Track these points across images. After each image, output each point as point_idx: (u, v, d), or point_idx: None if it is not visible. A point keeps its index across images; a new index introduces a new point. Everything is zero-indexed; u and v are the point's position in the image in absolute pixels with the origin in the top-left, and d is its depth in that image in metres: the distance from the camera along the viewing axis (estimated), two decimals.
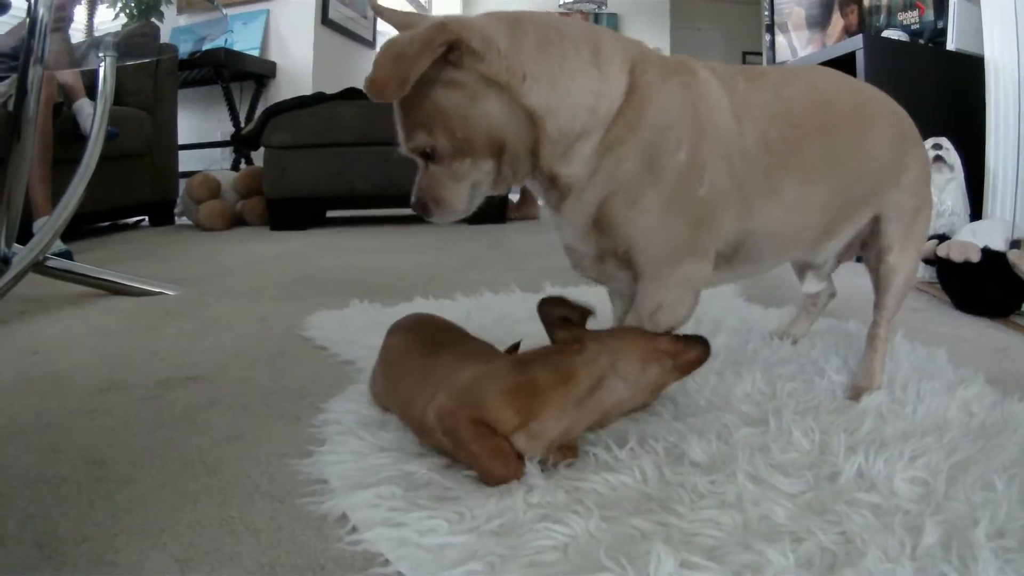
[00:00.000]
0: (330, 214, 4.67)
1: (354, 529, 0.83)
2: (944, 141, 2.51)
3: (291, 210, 4.11)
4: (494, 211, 4.15)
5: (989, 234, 2.06)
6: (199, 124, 5.79)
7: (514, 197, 4.62)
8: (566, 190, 1.06)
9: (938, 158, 2.49)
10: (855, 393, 1.24)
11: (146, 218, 4.58)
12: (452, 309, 1.92)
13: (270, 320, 1.90)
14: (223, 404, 1.25)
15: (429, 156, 0.99)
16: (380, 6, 1.08)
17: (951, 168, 2.49)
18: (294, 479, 0.95)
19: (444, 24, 0.91)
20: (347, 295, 2.04)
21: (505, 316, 1.82)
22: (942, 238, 2.24)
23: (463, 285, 2.25)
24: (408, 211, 4.73)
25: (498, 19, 0.98)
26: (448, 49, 0.91)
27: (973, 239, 2.02)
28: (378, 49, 0.93)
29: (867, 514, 0.84)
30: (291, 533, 0.82)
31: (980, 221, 2.30)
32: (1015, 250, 1.94)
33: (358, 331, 1.67)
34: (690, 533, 0.82)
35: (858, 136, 1.21)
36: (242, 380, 1.39)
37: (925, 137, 2.67)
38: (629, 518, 0.85)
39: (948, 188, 2.50)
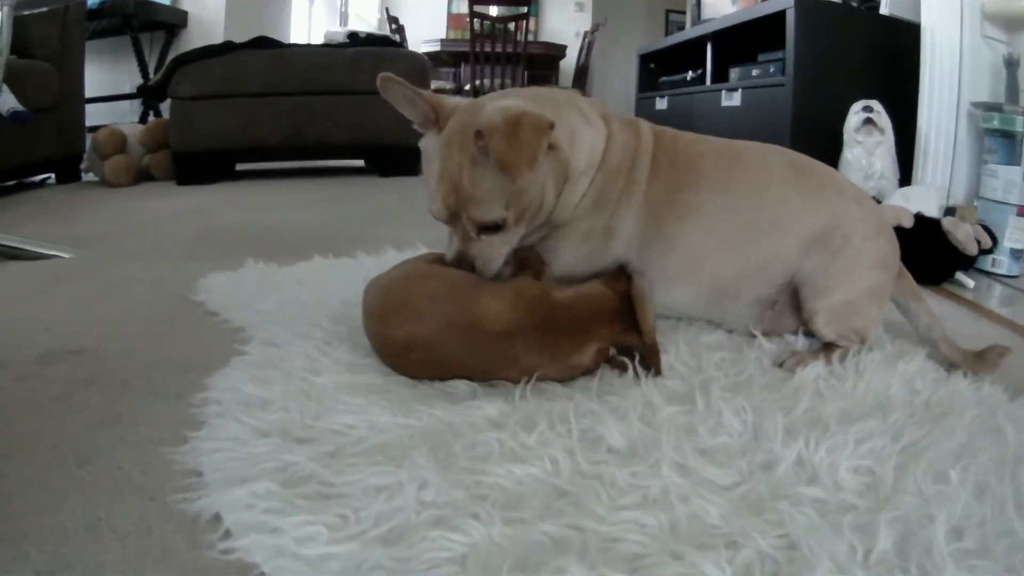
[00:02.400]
0: (239, 167, 4.43)
1: (228, 534, 0.74)
2: (875, 104, 2.46)
3: (198, 164, 3.86)
4: (403, 163, 4.02)
5: (923, 200, 2.00)
6: (108, 76, 5.42)
7: None
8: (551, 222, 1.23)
9: (868, 120, 2.43)
10: (792, 361, 1.17)
11: (52, 176, 4.27)
12: (351, 268, 1.78)
13: (163, 283, 1.78)
14: (102, 381, 1.15)
15: (491, 228, 1.12)
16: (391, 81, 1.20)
17: (881, 131, 2.44)
18: (168, 470, 0.88)
19: (528, 110, 1.05)
20: (246, 254, 1.95)
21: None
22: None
23: (368, 242, 2.13)
24: (318, 163, 4.76)
25: (525, 97, 1.16)
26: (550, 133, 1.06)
27: (906, 204, 1.95)
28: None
29: (811, 512, 0.74)
30: (160, 538, 0.75)
31: (912, 186, 2.26)
32: (949, 217, 1.88)
33: (250, 295, 1.56)
34: (609, 539, 0.71)
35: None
36: (126, 352, 1.29)
37: (856, 99, 2.65)
38: (538, 522, 0.73)
39: (878, 151, 2.46)
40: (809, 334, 1.26)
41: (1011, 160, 2.11)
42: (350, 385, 1.05)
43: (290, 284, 1.65)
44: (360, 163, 4.44)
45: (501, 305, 1.04)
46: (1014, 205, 2.00)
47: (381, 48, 4.05)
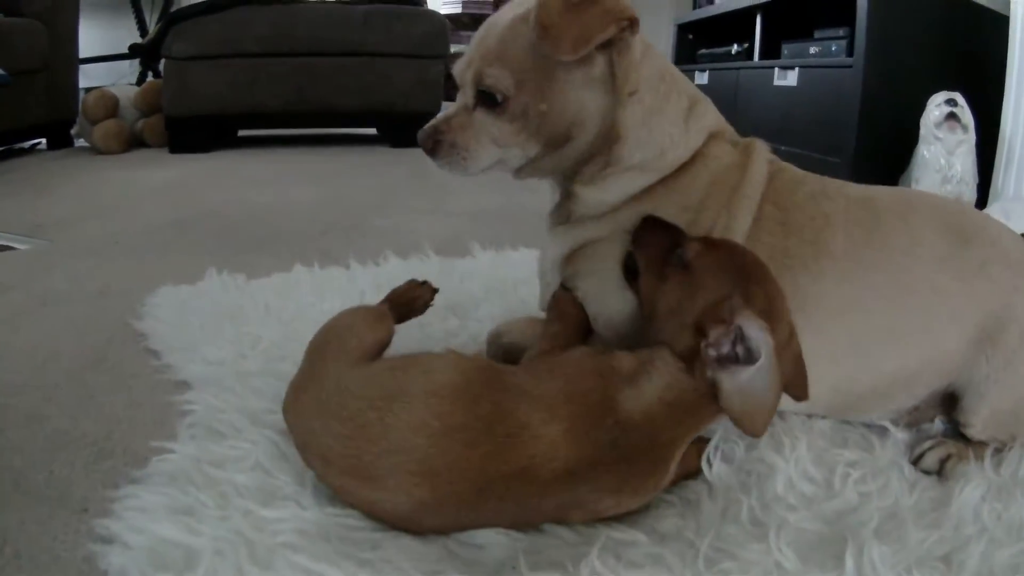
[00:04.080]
0: (241, 134, 4.16)
1: None
2: (959, 97, 2.17)
3: (193, 130, 3.61)
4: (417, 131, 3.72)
5: (1023, 218, 1.68)
6: (105, 35, 5.19)
7: None
8: (573, 213, 1.01)
9: (951, 115, 2.13)
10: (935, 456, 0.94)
11: (43, 141, 4.04)
12: (338, 286, 1.53)
13: (109, 296, 1.54)
14: None
15: (488, 100, 0.92)
16: None
17: (965, 129, 2.16)
18: None
19: (625, 5, 0.88)
20: (214, 253, 1.73)
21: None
22: None
23: (366, 237, 1.93)
24: (324, 131, 4.49)
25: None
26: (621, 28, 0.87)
27: (1007, 222, 1.63)
28: None
29: None
30: None
31: (1012, 200, 1.94)
32: None
33: (202, 329, 1.29)
34: None
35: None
36: (34, 417, 1.02)
37: (934, 91, 2.33)
38: None
39: (959, 150, 2.18)
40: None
41: None
42: (317, 530, 0.73)
43: (256, 313, 1.37)
44: (372, 131, 4.15)
45: (553, 427, 0.71)
46: None
47: (396, 6, 3.74)
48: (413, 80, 3.66)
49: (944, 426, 1.02)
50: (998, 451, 0.93)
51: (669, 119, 0.96)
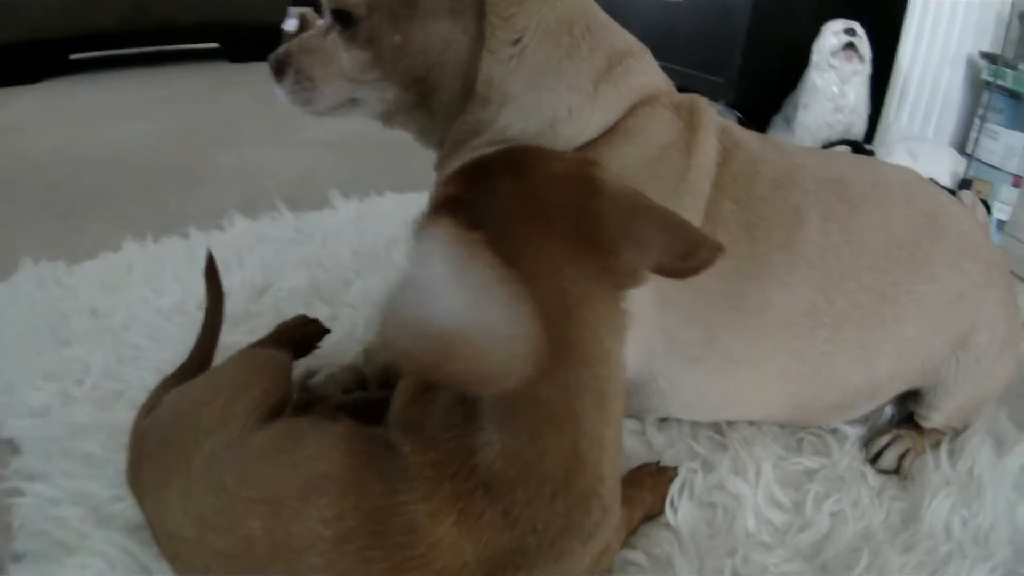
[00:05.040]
0: (74, 58, 3.67)
1: None
2: (858, 27, 2.13)
3: (18, 58, 3.11)
4: (261, 44, 3.37)
5: (934, 162, 1.67)
6: None
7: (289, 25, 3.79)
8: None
9: (850, 45, 2.08)
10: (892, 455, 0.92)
11: None
12: (178, 265, 1.30)
13: None
14: None
15: (343, 20, 0.77)
16: None
17: (862, 59, 2.13)
18: None
19: None
20: (32, 225, 1.49)
21: (271, 278, 1.27)
22: (851, 144, 1.81)
23: (210, 182, 1.73)
24: (166, 47, 4.03)
25: None
26: None
27: (913, 164, 1.58)
28: None
29: None
30: None
31: (918, 140, 1.94)
32: (967, 192, 1.53)
33: (18, 354, 1.02)
34: None
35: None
36: None
37: (832, 17, 2.25)
38: None
39: (854, 80, 2.16)
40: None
41: (1016, 124, 1.83)
42: None
43: (81, 322, 1.11)
44: (213, 46, 3.75)
45: (443, 522, 0.52)
46: (1011, 174, 1.77)
47: None
48: None
49: (893, 412, 0.99)
50: (951, 439, 0.93)
51: (568, 81, 0.77)
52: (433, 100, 0.80)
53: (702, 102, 0.84)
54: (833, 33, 2.11)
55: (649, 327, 0.78)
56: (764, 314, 0.79)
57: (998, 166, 1.78)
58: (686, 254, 0.57)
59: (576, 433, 0.54)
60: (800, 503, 0.81)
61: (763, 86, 2.48)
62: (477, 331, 0.44)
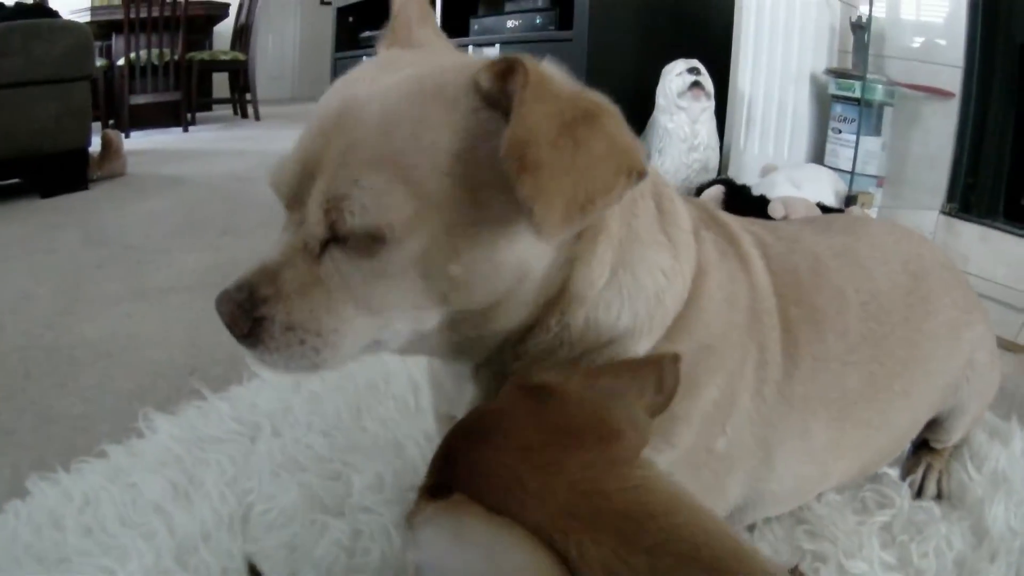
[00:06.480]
0: None
1: None
2: (699, 65, 2.20)
3: None
4: (70, 172, 3.11)
5: (816, 185, 1.77)
6: None
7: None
8: None
9: (696, 84, 2.16)
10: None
11: None
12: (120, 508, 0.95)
13: None
14: None
15: (356, 239, 0.53)
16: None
17: (708, 96, 2.21)
18: None
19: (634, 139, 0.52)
20: None
21: (247, 499, 0.97)
22: (724, 183, 1.90)
23: (84, 366, 1.40)
24: None
25: None
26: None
27: (798, 192, 1.68)
28: None
29: None
30: None
31: (795, 168, 2.03)
32: (855, 208, 1.64)
33: None
34: None
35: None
36: None
37: (663, 59, 2.36)
38: None
39: (702, 118, 2.25)
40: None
41: (870, 130, 2.00)
42: None
43: None
44: (14, 181, 3.30)
45: None
46: (874, 176, 1.95)
47: (33, 21, 3.01)
48: (59, 110, 3.01)
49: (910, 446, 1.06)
50: (956, 447, 1.04)
51: (646, 241, 0.65)
52: (493, 324, 0.61)
53: (709, 206, 0.82)
54: (677, 74, 2.20)
55: (750, 456, 0.76)
56: (842, 399, 0.80)
57: (859, 171, 1.94)
58: (658, 386, 0.56)
59: None
60: (903, 557, 0.85)
61: None
62: None
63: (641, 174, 0.51)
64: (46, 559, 0.85)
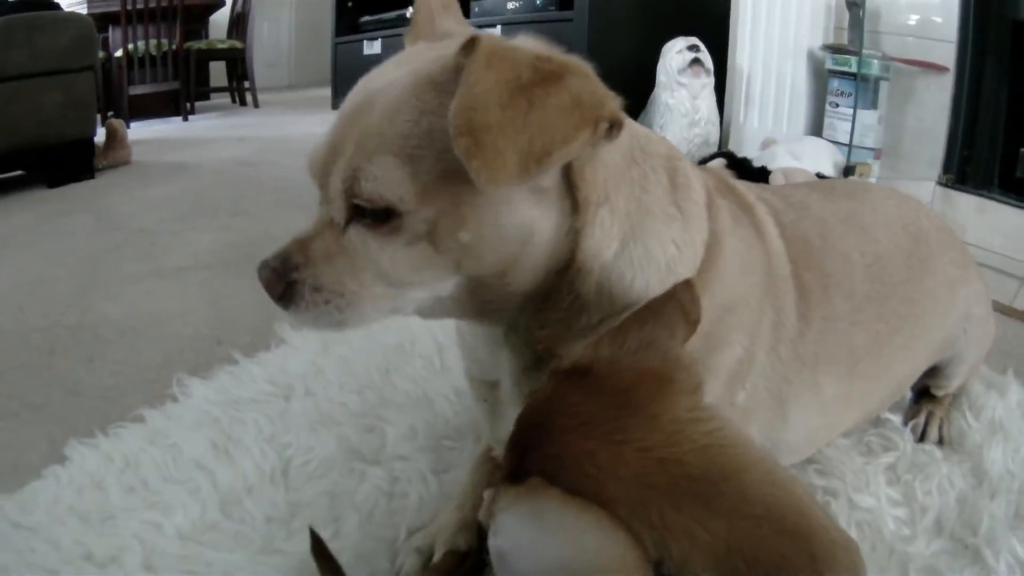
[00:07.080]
0: None
1: None
2: (699, 42, 2.25)
3: None
4: (76, 162, 3.14)
5: (815, 157, 1.82)
6: None
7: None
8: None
9: (696, 61, 2.20)
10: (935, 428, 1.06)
11: None
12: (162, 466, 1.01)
13: None
14: None
15: (372, 213, 0.60)
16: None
17: (708, 72, 2.26)
18: None
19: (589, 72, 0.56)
20: None
21: (285, 452, 1.02)
22: (726, 156, 1.94)
23: (112, 342, 1.42)
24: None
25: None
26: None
27: (798, 164, 1.73)
28: None
29: None
30: None
31: (796, 141, 2.09)
32: (854, 178, 1.68)
33: None
34: None
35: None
36: None
37: (663, 37, 2.40)
38: None
39: (703, 94, 2.30)
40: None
41: (867, 104, 2.05)
42: None
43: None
44: (19, 173, 3.31)
45: None
46: (871, 149, 1.99)
47: (36, 13, 3.04)
48: (64, 101, 3.05)
49: (911, 393, 1.12)
50: (956, 399, 1.10)
51: (658, 215, 0.70)
52: (507, 288, 0.67)
53: (724, 175, 0.88)
54: (677, 52, 2.25)
55: (766, 409, 0.82)
56: (850, 356, 0.86)
57: (857, 144, 1.99)
58: (685, 316, 0.59)
59: None
60: (908, 494, 0.91)
61: None
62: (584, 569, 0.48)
63: (615, 124, 0.54)
64: (90, 518, 0.89)
